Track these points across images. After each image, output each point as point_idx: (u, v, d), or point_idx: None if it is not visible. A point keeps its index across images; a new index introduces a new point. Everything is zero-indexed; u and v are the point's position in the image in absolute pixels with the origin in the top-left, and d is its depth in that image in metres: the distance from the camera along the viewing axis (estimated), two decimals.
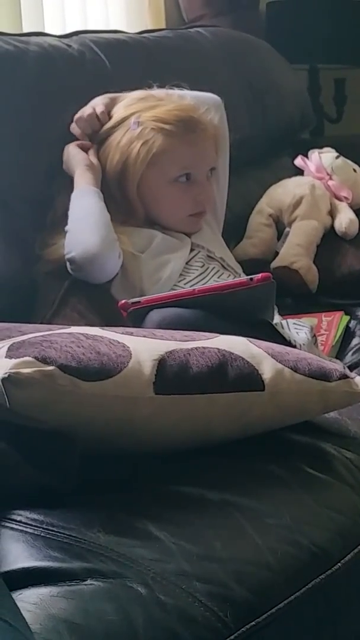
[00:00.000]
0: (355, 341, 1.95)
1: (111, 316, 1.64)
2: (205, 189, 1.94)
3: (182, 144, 1.88)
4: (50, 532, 1.10)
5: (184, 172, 1.89)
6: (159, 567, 1.05)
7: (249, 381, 1.26)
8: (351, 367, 1.81)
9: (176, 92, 1.99)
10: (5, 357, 1.14)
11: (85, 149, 1.91)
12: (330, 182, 2.32)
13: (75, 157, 1.90)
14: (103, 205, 1.82)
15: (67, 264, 1.76)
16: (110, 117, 1.93)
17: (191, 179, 1.91)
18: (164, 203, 1.91)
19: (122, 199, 1.89)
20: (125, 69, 2.12)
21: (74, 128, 1.94)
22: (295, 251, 2.16)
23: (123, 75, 2.08)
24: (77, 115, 1.94)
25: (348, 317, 2.01)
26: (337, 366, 1.35)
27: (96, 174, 1.87)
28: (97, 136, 1.93)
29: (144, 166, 1.87)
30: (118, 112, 1.93)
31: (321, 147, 2.43)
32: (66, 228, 1.79)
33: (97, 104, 1.95)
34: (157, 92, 1.97)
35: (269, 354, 1.31)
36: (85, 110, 1.94)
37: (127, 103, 1.93)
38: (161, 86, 1.99)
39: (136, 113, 1.90)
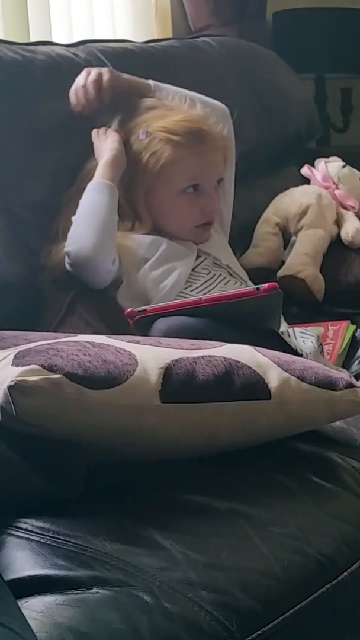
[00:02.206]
0: None
1: (117, 324, 1.64)
2: (213, 199, 1.94)
3: (190, 155, 1.88)
4: (56, 540, 1.10)
5: (191, 183, 1.89)
6: (164, 576, 1.04)
7: (255, 390, 1.26)
8: (357, 376, 1.81)
9: (188, 93, 1.98)
10: (12, 365, 1.14)
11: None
12: (336, 191, 2.33)
13: (109, 144, 1.90)
14: (113, 204, 1.83)
15: (66, 257, 1.77)
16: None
17: (199, 190, 1.91)
18: (172, 214, 1.91)
19: (129, 207, 1.89)
20: None
21: (71, 96, 1.95)
22: (302, 260, 2.16)
23: None
24: (79, 84, 1.94)
25: (354, 327, 2.01)
26: (343, 375, 1.35)
27: (120, 163, 1.87)
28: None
29: (151, 177, 1.87)
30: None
31: (328, 157, 2.43)
32: (73, 218, 1.80)
33: (105, 71, 1.95)
34: (169, 97, 1.96)
35: (275, 363, 1.31)
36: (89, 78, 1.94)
37: (137, 113, 1.94)
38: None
39: (145, 123, 1.90)
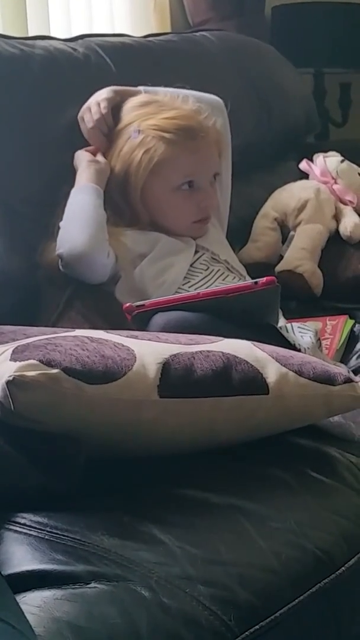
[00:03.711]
0: (359, 345, 1.95)
1: (116, 319, 1.64)
2: (209, 195, 1.94)
3: (183, 152, 1.87)
4: (54, 535, 1.10)
5: (186, 179, 1.89)
6: (163, 571, 1.05)
7: (254, 385, 1.26)
8: (355, 371, 1.81)
9: (181, 92, 1.98)
10: (10, 360, 1.14)
11: (93, 152, 1.92)
12: (335, 186, 2.33)
13: (79, 157, 1.91)
14: (98, 203, 1.82)
15: (59, 260, 1.76)
16: (119, 118, 1.93)
17: (194, 186, 1.90)
18: (168, 210, 1.91)
19: (125, 205, 1.89)
20: (130, 73, 2.12)
21: (90, 138, 1.94)
22: (300, 255, 2.16)
23: (128, 79, 2.08)
24: (88, 126, 1.93)
25: (353, 321, 2.01)
26: (341, 370, 1.35)
27: (100, 171, 1.87)
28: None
29: (146, 174, 1.87)
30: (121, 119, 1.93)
31: (326, 151, 2.43)
32: (60, 224, 1.80)
33: (101, 100, 1.94)
34: (161, 94, 1.96)
35: (273, 358, 1.31)
36: (92, 116, 1.94)
37: (129, 110, 1.93)
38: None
39: (137, 121, 1.89)
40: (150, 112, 1.90)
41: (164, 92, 1.98)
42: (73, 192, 1.85)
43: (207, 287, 1.82)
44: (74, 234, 1.77)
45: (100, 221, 1.80)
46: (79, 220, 1.79)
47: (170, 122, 1.87)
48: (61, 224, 1.80)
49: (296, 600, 1.08)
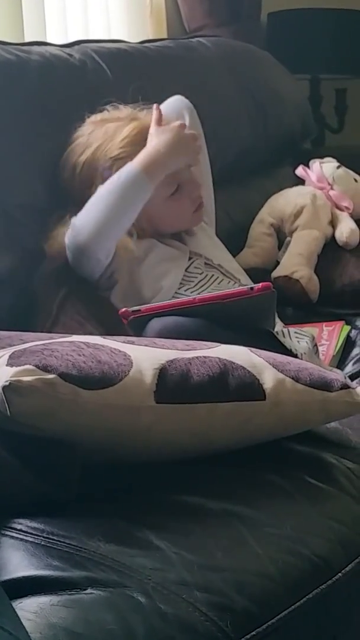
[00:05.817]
0: (356, 351, 1.95)
1: (111, 325, 1.64)
2: (194, 183, 1.95)
3: None
4: (51, 541, 1.10)
5: (174, 183, 1.89)
6: (159, 577, 1.04)
7: (250, 391, 1.26)
8: (352, 377, 1.81)
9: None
10: (7, 365, 1.14)
11: None
12: (331, 192, 2.33)
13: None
14: (135, 195, 1.80)
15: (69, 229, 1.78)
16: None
17: (182, 183, 1.91)
18: (169, 216, 1.92)
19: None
20: (126, 78, 2.12)
21: None
22: (296, 261, 2.16)
23: (124, 85, 2.08)
24: None
25: (349, 327, 2.02)
26: (338, 376, 1.35)
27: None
28: None
29: None
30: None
31: (322, 157, 2.43)
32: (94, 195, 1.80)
33: None
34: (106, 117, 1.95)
35: (270, 364, 1.31)
36: None
37: (84, 139, 1.92)
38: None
39: (99, 155, 1.88)
40: (106, 139, 1.89)
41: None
42: (124, 169, 1.81)
43: (203, 292, 1.82)
44: (88, 221, 1.77)
45: (120, 219, 1.79)
46: (101, 211, 1.78)
47: (129, 140, 1.86)
48: (93, 198, 1.79)
49: (293, 607, 1.08)
